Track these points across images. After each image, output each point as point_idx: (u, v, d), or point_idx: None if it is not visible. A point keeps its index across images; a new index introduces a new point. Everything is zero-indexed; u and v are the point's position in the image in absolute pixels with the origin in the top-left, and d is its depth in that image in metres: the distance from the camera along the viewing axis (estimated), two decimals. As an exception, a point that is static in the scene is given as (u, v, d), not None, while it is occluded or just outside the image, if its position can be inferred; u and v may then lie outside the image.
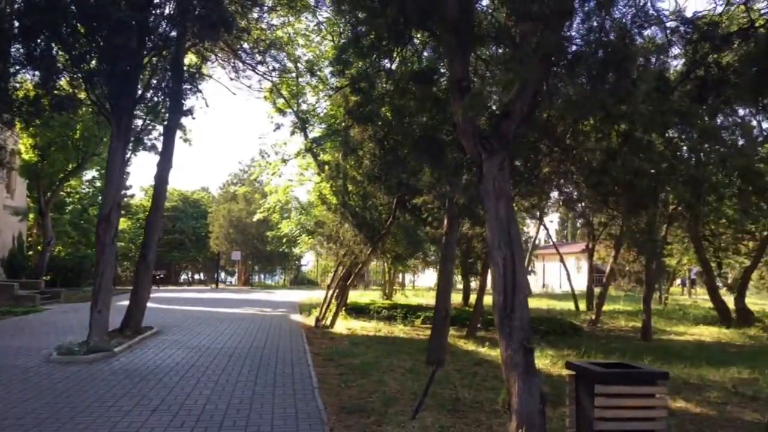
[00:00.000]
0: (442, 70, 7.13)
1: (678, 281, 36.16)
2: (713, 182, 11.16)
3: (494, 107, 7.52)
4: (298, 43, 16.75)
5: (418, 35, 7.15)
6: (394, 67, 7.63)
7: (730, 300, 19.94)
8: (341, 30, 10.19)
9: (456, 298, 20.75)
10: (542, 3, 4.95)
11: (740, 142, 8.60)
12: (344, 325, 14.91)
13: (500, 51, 7.18)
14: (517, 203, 16.82)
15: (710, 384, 8.83)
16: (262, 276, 52.69)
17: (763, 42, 4.85)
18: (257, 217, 28.73)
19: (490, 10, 6.70)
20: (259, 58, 15.45)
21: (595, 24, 4.76)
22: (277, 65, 15.99)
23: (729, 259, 24.04)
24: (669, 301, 27.60)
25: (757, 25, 5.61)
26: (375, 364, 9.10)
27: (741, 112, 7.47)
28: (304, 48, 17.04)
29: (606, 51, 4.65)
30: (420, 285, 38.75)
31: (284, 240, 31.50)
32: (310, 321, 15.39)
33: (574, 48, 5.50)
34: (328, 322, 14.57)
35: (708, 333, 16.45)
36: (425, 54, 7.33)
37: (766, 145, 10.68)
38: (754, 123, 8.58)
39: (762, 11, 5.93)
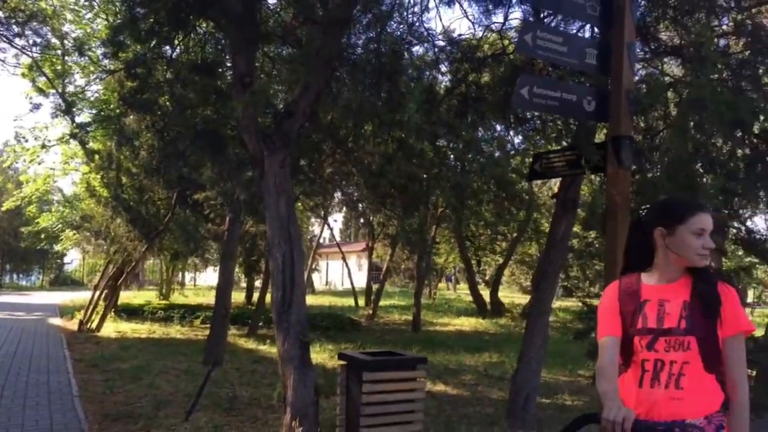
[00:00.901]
0: (227, 63, 6.99)
1: (445, 277, 39.81)
2: (474, 188, 12.43)
3: (279, 105, 7.57)
4: (65, 18, 15.06)
5: (203, 24, 6.93)
6: (175, 55, 7.28)
7: (487, 293, 22.64)
8: (117, 9, 9.40)
9: (239, 296, 20.42)
10: (325, 8, 5.15)
11: (497, 154, 9.72)
12: (114, 328, 13.77)
13: (286, 50, 7.27)
14: (302, 202, 17.10)
15: (466, 368, 9.93)
16: (15, 276, 46.24)
17: (509, 68, 5.60)
18: (6, 206, 24.95)
19: (277, 9, 6.76)
20: (17, 29, 13.56)
21: (372, 35, 5.07)
22: (39, 40, 14.21)
23: (487, 258, 27.24)
24: (437, 295, 30.37)
25: (508, 51, 6.43)
26: (146, 367, 8.58)
27: (498, 127, 8.49)
28: (72, 24, 15.37)
29: (380, 62, 4.98)
30: (201, 284, 37.32)
31: (43, 236, 27.96)
32: (73, 325, 13.96)
33: (355, 55, 5.81)
34: (94, 326, 13.34)
35: (468, 323, 18.43)
36: (209, 45, 7.11)
37: (517, 157, 12.12)
38: (509, 137, 9.81)
39: (512, 39, 6.80)
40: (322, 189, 12.56)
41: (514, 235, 20.83)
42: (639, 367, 2.05)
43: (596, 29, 4.71)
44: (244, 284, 24.10)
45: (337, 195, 17.08)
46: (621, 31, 4.19)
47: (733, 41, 6.85)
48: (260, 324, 13.99)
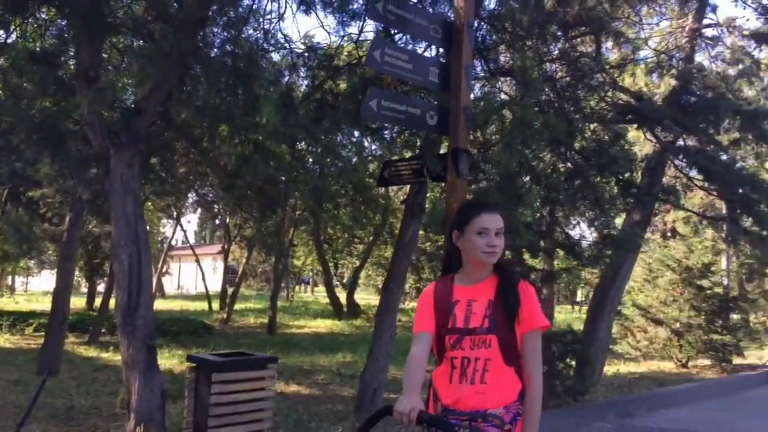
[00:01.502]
0: (70, 53, 6.58)
1: (301, 280, 39.84)
2: (332, 192, 12.64)
3: (128, 101, 7.25)
4: None
5: (44, 10, 6.47)
6: (11, 40, 6.72)
7: (344, 295, 23.03)
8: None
9: (80, 302, 18.97)
10: (180, 6, 5.07)
11: (354, 159, 10.00)
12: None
13: (137, 42, 6.98)
14: (153, 202, 16.32)
15: (320, 368, 10.10)
16: None
17: (361, 79, 5.89)
18: None
19: (128, 0, 6.49)
20: None
21: (228, 36, 5.09)
22: None
23: (344, 260, 27.73)
24: (294, 298, 30.31)
25: (363, 62, 6.71)
26: (-32, 380, 7.80)
27: (357, 133, 8.76)
28: None
29: (236, 66, 5.02)
30: (34, 289, 34.04)
31: None
32: None
33: (212, 55, 5.76)
34: None
35: (324, 325, 18.65)
36: (50, 33, 6.65)
37: (375, 162, 12.50)
38: (366, 143, 10.14)
39: (367, 50, 7.10)
40: (174, 189, 12.11)
41: (371, 238, 21.40)
42: (449, 364, 2.17)
43: (440, 50, 5.10)
44: (85, 289, 22.41)
45: (191, 195, 16.53)
46: (460, 53, 4.61)
47: (559, 66, 7.70)
48: (102, 331, 13.15)
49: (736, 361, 10.87)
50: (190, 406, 4.41)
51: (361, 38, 6.90)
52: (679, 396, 8.24)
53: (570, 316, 22.04)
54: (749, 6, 9.00)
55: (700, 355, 10.37)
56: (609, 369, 9.56)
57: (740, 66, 9.62)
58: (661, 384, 8.71)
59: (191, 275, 36.95)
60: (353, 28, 16.71)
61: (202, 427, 4.25)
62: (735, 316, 14.28)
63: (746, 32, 9.07)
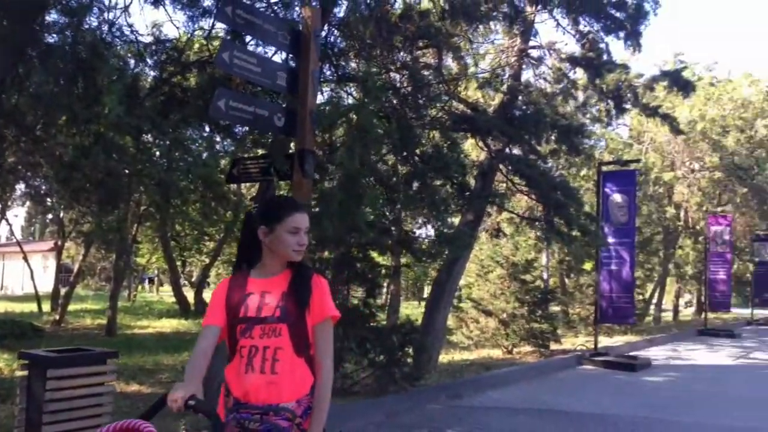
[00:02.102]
0: None
1: (146, 278, 37.86)
2: (180, 187, 12.28)
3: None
4: None
5: None
6: None
7: (192, 294, 22.32)
8: None
9: None
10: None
11: (205, 155, 9.89)
12: None
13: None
14: (-28, 193, 14.76)
15: (164, 368, 9.87)
16: None
17: (210, 78, 5.96)
18: None
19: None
20: None
21: (67, 23, 4.92)
22: None
23: (193, 258, 26.82)
24: (137, 297, 28.75)
25: (213, 59, 6.75)
26: None
27: (208, 128, 8.69)
28: None
29: (77, 56, 4.87)
30: None
31: None
32: None
33: (50, 42, 5.49)
34: None
35: (170, 324, 17.99)
36: None
37: (225, 158, 12.36)
38: (218, 139, 10.06)
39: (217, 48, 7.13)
40: (1, 180, 11.14)
41: (221, 235, 20.99)
42: (239, 355, 2.19)
43: (289, 55, 5.35)
44: None
45: (20, 187, 15.21)
46: (307, 60, 4.89)
47: (402, 76, 8.28)
48: None
49: (554, 347, 12.26)
50: (22, 405, 4.24)
51: (212, 34, 6.95)
52: (502, 378, 9.20)
53: (416, 311, 23.25)
54: (568, 32, 10.26)
55: (523, 342, 11.57)
56: (445, 357, 10.37)
57: (560, 85, 10.92)
58: (488, 369, 9.65)
59: (18, 274, 33.60)
60: (205, 23, 16.30)
61: (35, 425, 4.12)
62: (556, 308, 16.05)
63: (564, 55, 10.32)
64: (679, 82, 9.49)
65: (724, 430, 6.71)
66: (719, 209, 19.62)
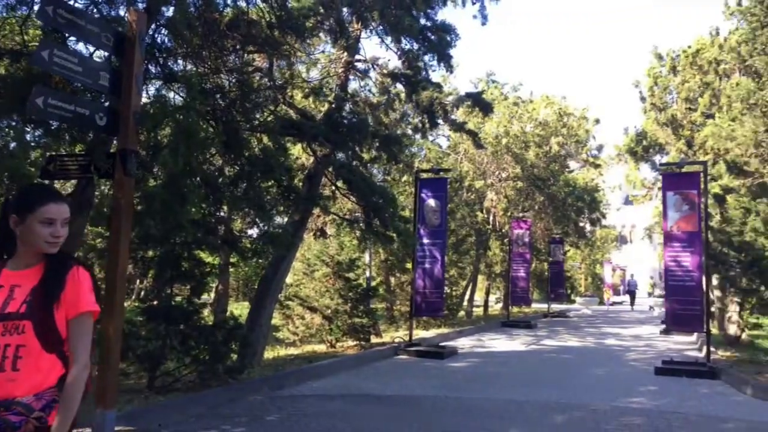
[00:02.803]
0: None
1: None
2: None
3: None
4: None
5: None
6: None
7: None
8: None
9: None
10: None
11: (13, 145, 9.24)
12: None
13: None
14: None
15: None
16: None
17: (26, 71, 5.77)
18: None
19: None
20: None
21: None
22: None
23: None
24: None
25: (29, 49, 6.49)
26: None
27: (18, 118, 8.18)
28: None
29: None
30: None
31: None
32: None
33: None
34: None
35: None
36: None
37: (37, 150, 11.55)
38: (30, 131, 9.45)
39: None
40: None
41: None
42: None
43: (112, 56, 5.39)
44: None
45: None
46: (131, 61, 5.02)
47: (233, 79, 8.52)
48: None
49: (375, 340, 13.17)
50: None
51: (27, 23, 6.66)
52: (323, 369, 9.79)
53: (246, 310, 23.22)
54: (391, 49, 11.17)
55: (345, 337, 12.29)
56: (270, 353, 10.73)
57: (383, 97, 11.82)
58: (310, 361, 10.19)
59: None
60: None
61: None
62: (380, 304, 17.10)
63: (386, 71, 11.21)
64: (480, 103, 10.82)
65: (507, 403, 7.88)
66: (522, 215, 22.15)
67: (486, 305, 24.80)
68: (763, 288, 11.68)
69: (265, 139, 8.62)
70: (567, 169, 25.88)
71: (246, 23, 7.41)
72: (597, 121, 23.56)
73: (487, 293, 25.28)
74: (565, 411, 7.46)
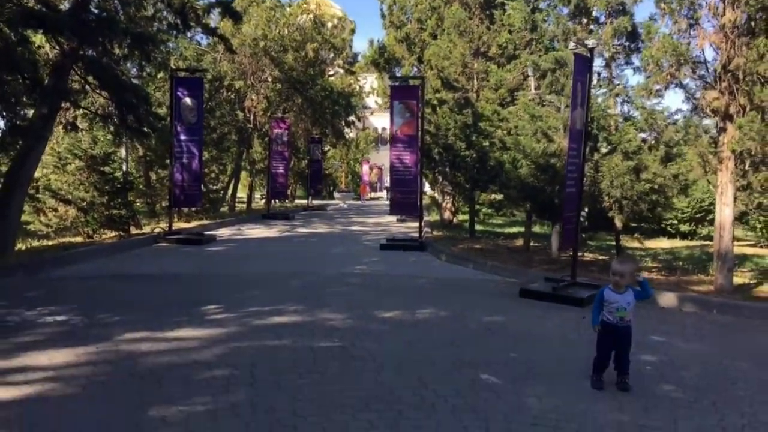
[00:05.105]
0: None
1: None
2: None
3: None
4: None
5: None
6: None
7: None
8: None
9: None
10: None
11: None
12: None
13: None
14: None
15: None
16: None
17: None
18: None
19: None
20: None
21: None
22: None
23: None
24: None
25: None
26: None
27: None
28: None
29: None
30: None
31: None
32: None
33: None
34: None
35: None
36: None
37: None
38: None
39: None
40: None
41: None
42: None
43: None
44: None
45: None
46: None
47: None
48: None
49: (135, 231, 13.79)
50: None
51: None
52: (80, 256, 10.38)
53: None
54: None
55: (103, 228, 12.75)
56: (22, 245, 10.87)
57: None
58: (66, 249, 10.65)
59: None
60: None
61: None
62: (140, 201, 17.39)
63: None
64: (229, 11, 11.56)
65: (255, 275, 9.46)
66: (281, 115, 23.45)
67: (249, 201, 26.16)
68: (463, 180, 14.80)
69: (7, 30, 8.50)
70: (328, 73, 27.60)
71: None
72: (353, 31, 25.35)
73: (251, 189, 26.60)
74: (300, 277, 9.31)
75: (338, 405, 3.98)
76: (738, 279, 9.44)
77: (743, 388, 4.73)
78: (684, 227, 17.47)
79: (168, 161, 15.05)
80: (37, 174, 11.08)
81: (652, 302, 8.06)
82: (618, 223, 9.94)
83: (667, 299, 8.15)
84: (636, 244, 13.61)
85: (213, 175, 19.97)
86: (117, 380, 4.32)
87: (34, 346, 5.09)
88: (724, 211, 8.47)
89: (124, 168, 14.50)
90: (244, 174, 26.57)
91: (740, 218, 13.74)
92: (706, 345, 6.12)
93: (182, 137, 13.49)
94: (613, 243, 11.87)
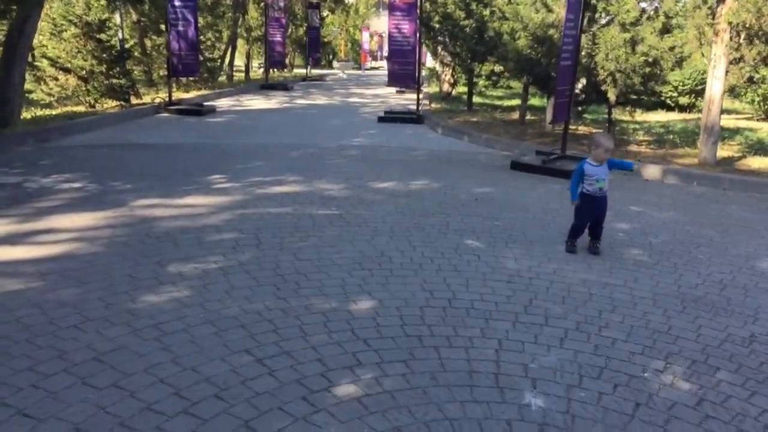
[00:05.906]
0: None
1: None
2: None
3: None
4: None
5: None
6: None
7: None
8: None
9: None
10: None
11: None
12: None
13: None
14: None
15: None
16: None
17: None
18: None
19: None
20: None
21: None
22: None
23: None
24: None
25: None
26: None
27: None
28: None
29: None
30: None
31: None
32: None
33: None
34: None
35: None
36: None
37: None
38: None
39: None
40: None
41: None
42: None
43: None
44: None
45: None
46: None
47: None
48: None
49: (135, 101, 13.87)
50: None
51: None
52: (86, 125, 10.63)
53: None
54: None
55: (104, 98, 12.84)
56: (27, 114, 11.05)
57: None
58: (72, 118, 10.86)
59: None
60: None
61: None
62: (137, 67, 17.23)
63: None
64: None
65: (254, 146, 9.77)
66: (278, -22, 22.42)
67: (247, 70, 25.75)
68: (461, 51, 14.60)
69: None
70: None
71: None
72: None
73: (248, 58, 26.07)
74: (300, 149, 9.63)
75: (335, 264, 4.46)
76: (724, 152, 9.77)
77: (704, 252, 5.22)
78: (683, 99, 17.40)
79: (162, 26, 14.75)
80: (34, 42, 10.99)
81: (636, 175, 8.46)
82: (611, 97, 10.06)
83: (651, 172, 8.53)
84: (629, 117, 13.77)
85: (209, 43, 19.57)
86: (136, 240, 4.78)
87: (55, 210, 5.52)
88: (714, 85, 8.60)
89: (120, 35, 14.27)
90: (240, 42, 25.90)
91: (731, 91, 13.78)
92: (678, 214, 6.57)
93: (177, 3, 13.17)
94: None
